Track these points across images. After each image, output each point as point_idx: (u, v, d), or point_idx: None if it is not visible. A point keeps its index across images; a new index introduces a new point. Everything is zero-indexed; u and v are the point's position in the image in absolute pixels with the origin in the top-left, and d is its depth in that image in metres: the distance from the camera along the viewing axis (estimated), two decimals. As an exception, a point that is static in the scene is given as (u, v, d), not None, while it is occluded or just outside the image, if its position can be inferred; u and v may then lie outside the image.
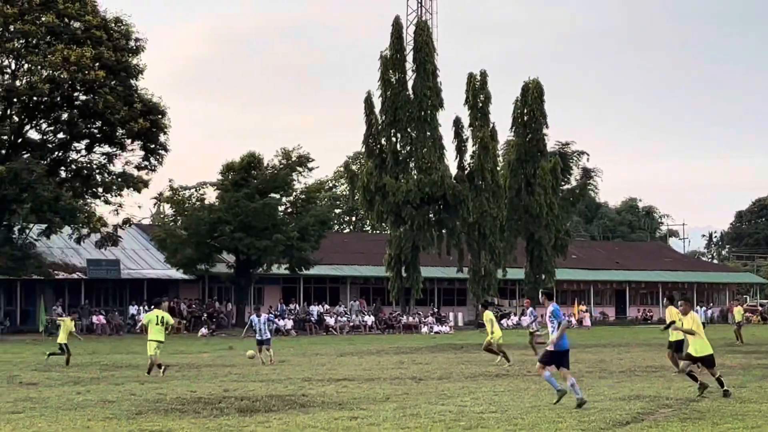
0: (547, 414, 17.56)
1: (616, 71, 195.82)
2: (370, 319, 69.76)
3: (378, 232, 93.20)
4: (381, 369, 29.94)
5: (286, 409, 18.86)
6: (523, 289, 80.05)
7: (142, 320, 29.61)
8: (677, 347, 27.10)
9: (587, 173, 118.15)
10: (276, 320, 62.97)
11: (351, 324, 68.16)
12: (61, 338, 33.23)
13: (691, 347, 21.05)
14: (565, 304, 76.76)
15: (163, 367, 27.60)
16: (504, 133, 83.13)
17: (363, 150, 73.98)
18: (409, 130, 71.01)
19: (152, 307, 30.85)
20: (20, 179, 54.28)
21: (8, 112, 58.86)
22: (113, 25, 60.31)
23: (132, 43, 61.03)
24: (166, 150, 62.35)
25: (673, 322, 27.17)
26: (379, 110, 71.39)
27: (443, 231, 73.07)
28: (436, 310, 75.16)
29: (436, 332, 65.87)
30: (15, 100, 57.69)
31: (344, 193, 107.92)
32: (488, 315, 33.32)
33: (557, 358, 19.16)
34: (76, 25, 58.40)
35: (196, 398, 20.95)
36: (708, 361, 20.85)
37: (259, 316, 34.13)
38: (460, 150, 73.94)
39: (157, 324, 27.89)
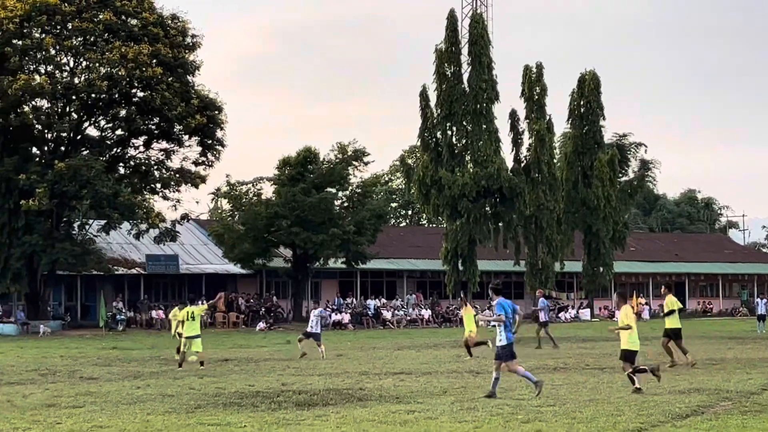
0: (605, 407, 17.46)
1: (673, 61, 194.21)
2: (426, 313, 69.76)
3: (434, 225, 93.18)
4: (438, 362, 29.93)
5: (344, 402, 18.91)
6: (581, 282, 79.66)
7: (174, 318, 29.85)
8: (675, 335, 27.23)
9: (645, 165, 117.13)
10: (331, 314, 63.16)
11: (408, 318, 68.19)
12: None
13: (624, 341, 20.77)
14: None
15: (197, 360, 28.70)
16: (560, 125, 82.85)
17: (419, 144, 73.86)
18: (464, 123, 70.82)
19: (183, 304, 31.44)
20: (80, 176, 54.84)
21: (67, 109, 59.47)
22: (170, 21, 60.74)
23: (188, 40, 61.43)
24: (223, 146, 62.75)
25: (672, 312, 27.28)
26: (434, 104, 71.25)
27: (499, 224, 72.80)
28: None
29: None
30: (74, 97, 58.27)
31: (400, 186, 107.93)
32: (469, 309, 33.58)
33: (511, 351, 19.57)
34: (133, 22, 58.88)
35: (254, 392, 21.06)
36: (631, 357, 20.65)
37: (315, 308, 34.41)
38: (516, 143, 73.66)
39: (188, 320, 28.50)
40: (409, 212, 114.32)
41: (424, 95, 71.31)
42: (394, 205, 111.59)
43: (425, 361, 30.55)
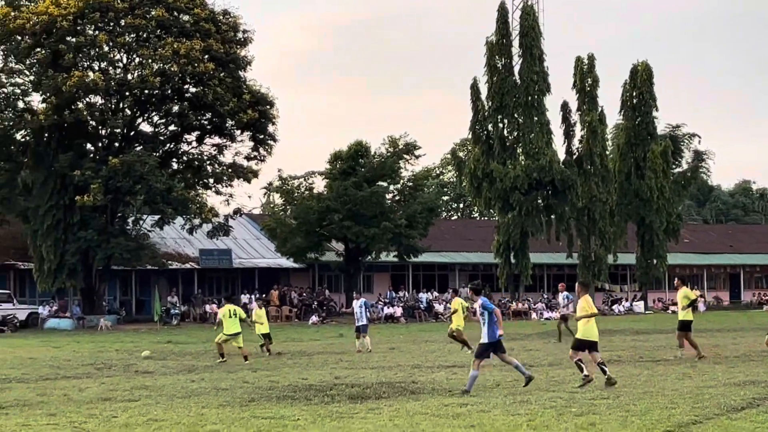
0: (659, 400, 17.37)
1: (725, 51, 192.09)
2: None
3: (486, 218, 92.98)
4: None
5: (397, 395, 18.95)
6: (635, 275, 79.16)
7: (219, 315, 30.23)
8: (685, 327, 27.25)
9: (699, 156, 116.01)
10: (383, 308, 63.28)
11: (460, 311, 67.98)
12: (262, 329, 33.00)
13: (581, 331, 20.67)
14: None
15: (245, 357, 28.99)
16: (612, 116, 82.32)
17: (470, 136, 73.70)
18: (516, 115, 70.57)
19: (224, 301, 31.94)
20: (134, 171, 55.30)
21: (121, 105, 60.00)
22: (221, 17, 61.07)
23: (240, 35, 61.72)
24: (274, 140, 63.01)
25: (694, 301, 27.19)
26: (485, 96, 71.04)
27: (552, 216, 72.48)
28: (545, 296, 74.73)
29: (546, 318, 65.50)
30: (127, 93, 58.78)
31: (451, 179, 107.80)
32: (457, 302, 33.33)
33: (495, 347, 19.65)
34: (185, 18, 59.26)
35: (307, 385, 21.17)
36: (583, 346, 20.61)
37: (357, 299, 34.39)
38: (568, 134, 73.28)
39: (230, 317, 28.82)
40: (461, 205, 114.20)
41: (475, 88, 71.10)
42: (445, 198, 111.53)
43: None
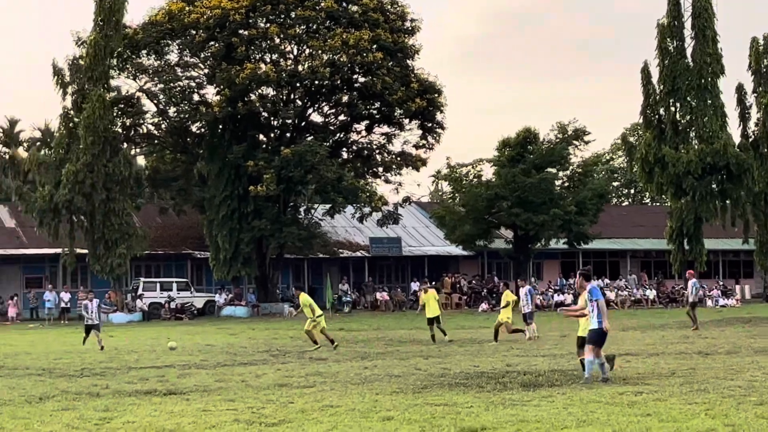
0: (844, 390, 16.80)
1: None
2: (652, 293, 68.45)
3: (658, 204, 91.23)
4: (665, 344, 29.38)
5: (570, 383, 18.80)
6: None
7: (305, 303, 30.45)
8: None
9: None
10: (553, 295, 62.79)
11: (632, 298, 67.07)
12: (428, 313, 33.11)
13: (583, 327, 20.17)
14: None
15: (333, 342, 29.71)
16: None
17: (641, 121, 72.25)
18: (688, 98, 68.86)
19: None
20: (305, 161, 56.18)
21: (292, 96, 61.03)
22: (389, 7, 61.50)
23: (408, 24, 62.05)
24: (442, 128, 63.22)
25: None
26: (656, 80, 69.52)
27: (727, 201, 70.54)
28: (721, 282, 72.98)
29: (722, 305, 63.97)
30: (298, 84, 59.78)
31: (622, 165, 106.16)
32: (507, 295, 32.38)
33: (602, 337, 19.16)
34: (354, 8, 59.88)
35: (479, 373, 21.18)
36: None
37: (522, 287, 34.20)
38: (744, 117, 71.22)
39: (308, 307, 29.92)
40: (632, 191, 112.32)
41: (645, 71, 69.66)
42: (615, 184, 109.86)
43: (651, 342, 30.04)
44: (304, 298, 30.80)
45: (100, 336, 31.77)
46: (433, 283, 61.20)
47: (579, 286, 20.69)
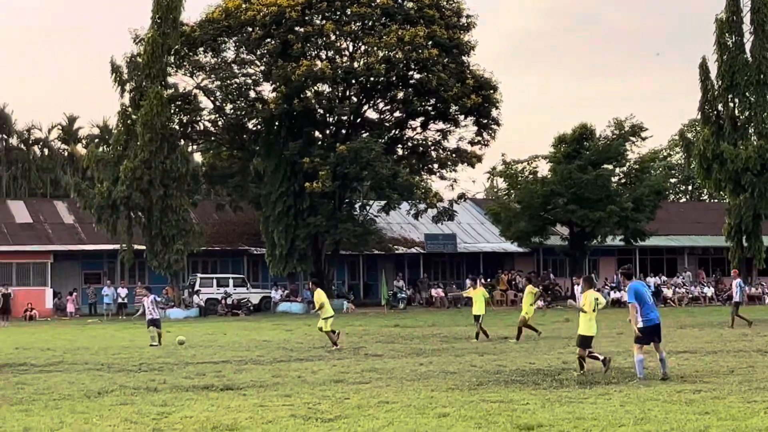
0: None
1: None
2: (709, 291, 67.83)
3: (716, 200, 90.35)
4: (723, 341, 29.08)
5: (626, 381, 18.70)
6: None
7: (318, 300, 30.00)
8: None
9: None
10: (609, 292, 62.37)
11: (690, 296, 66.50)
12: (475, 310, 33.01)
13: (582, 327, 20.69)
14: None
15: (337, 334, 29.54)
16: None
17: (699, 117, 71.57)
18: (747, 94, 68.08)
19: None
20: (360, 158, 56.29)
21: (347, 93, 61.17)
22: (444, 3, 61.44)
23: (463, 20, 61.95)
24: (498, 124, 63.07)
25: None
26: (715, 75, 68.81)
27: (786, 198, 69.69)
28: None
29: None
30: (353, 81, 59.89)
31: (680, 161, 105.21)
32: (529, 289, 32.08)
33: (652, 333, 19.18)
34: (409, 5, 59.91)
35: (535, 370, 21.12)
36: (587, 342, 20.62)
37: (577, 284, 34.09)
38: (804, 113, 70.29)
39: (321, 304, 29.39)
40: (689, 187, 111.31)
41: (704, 67, 68.97)
42: (673, 180, 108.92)
43: (710, 340, 29.76)
44: (320, 294, 30.12)
45: (158, 331, 32.04)
46: (488, 280, 61.26)
47: (581, 289, 21.10)
